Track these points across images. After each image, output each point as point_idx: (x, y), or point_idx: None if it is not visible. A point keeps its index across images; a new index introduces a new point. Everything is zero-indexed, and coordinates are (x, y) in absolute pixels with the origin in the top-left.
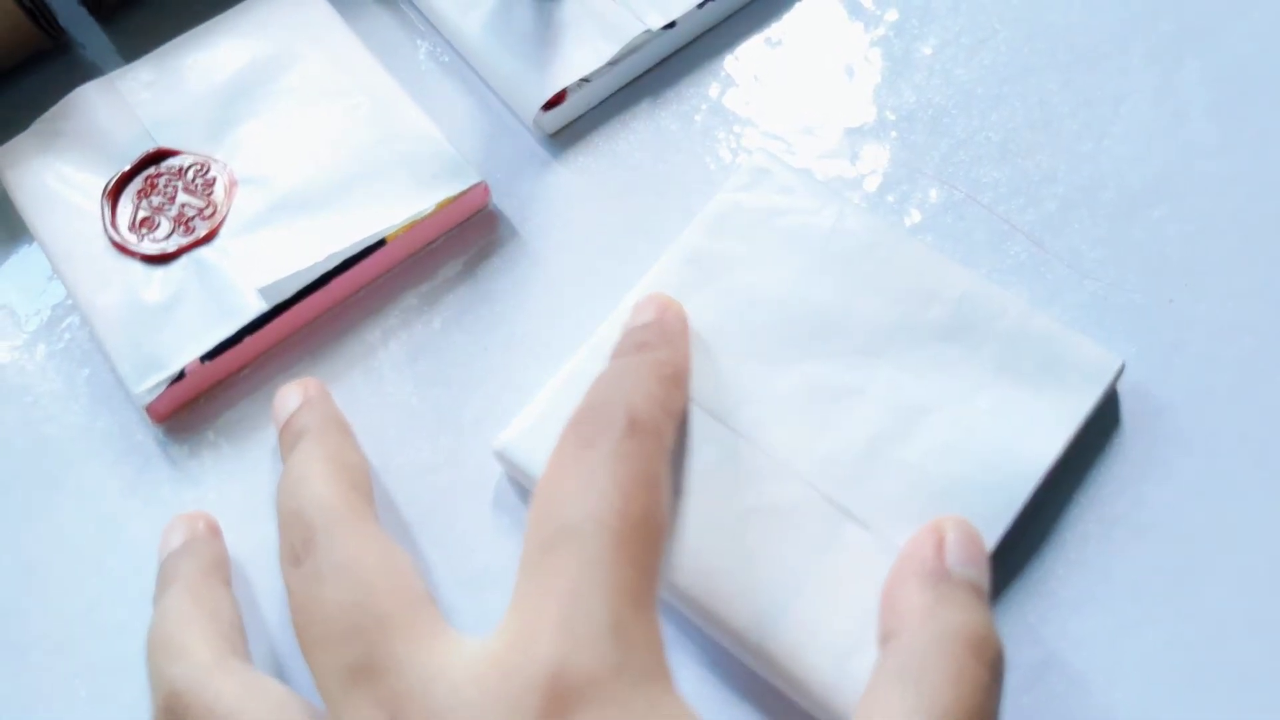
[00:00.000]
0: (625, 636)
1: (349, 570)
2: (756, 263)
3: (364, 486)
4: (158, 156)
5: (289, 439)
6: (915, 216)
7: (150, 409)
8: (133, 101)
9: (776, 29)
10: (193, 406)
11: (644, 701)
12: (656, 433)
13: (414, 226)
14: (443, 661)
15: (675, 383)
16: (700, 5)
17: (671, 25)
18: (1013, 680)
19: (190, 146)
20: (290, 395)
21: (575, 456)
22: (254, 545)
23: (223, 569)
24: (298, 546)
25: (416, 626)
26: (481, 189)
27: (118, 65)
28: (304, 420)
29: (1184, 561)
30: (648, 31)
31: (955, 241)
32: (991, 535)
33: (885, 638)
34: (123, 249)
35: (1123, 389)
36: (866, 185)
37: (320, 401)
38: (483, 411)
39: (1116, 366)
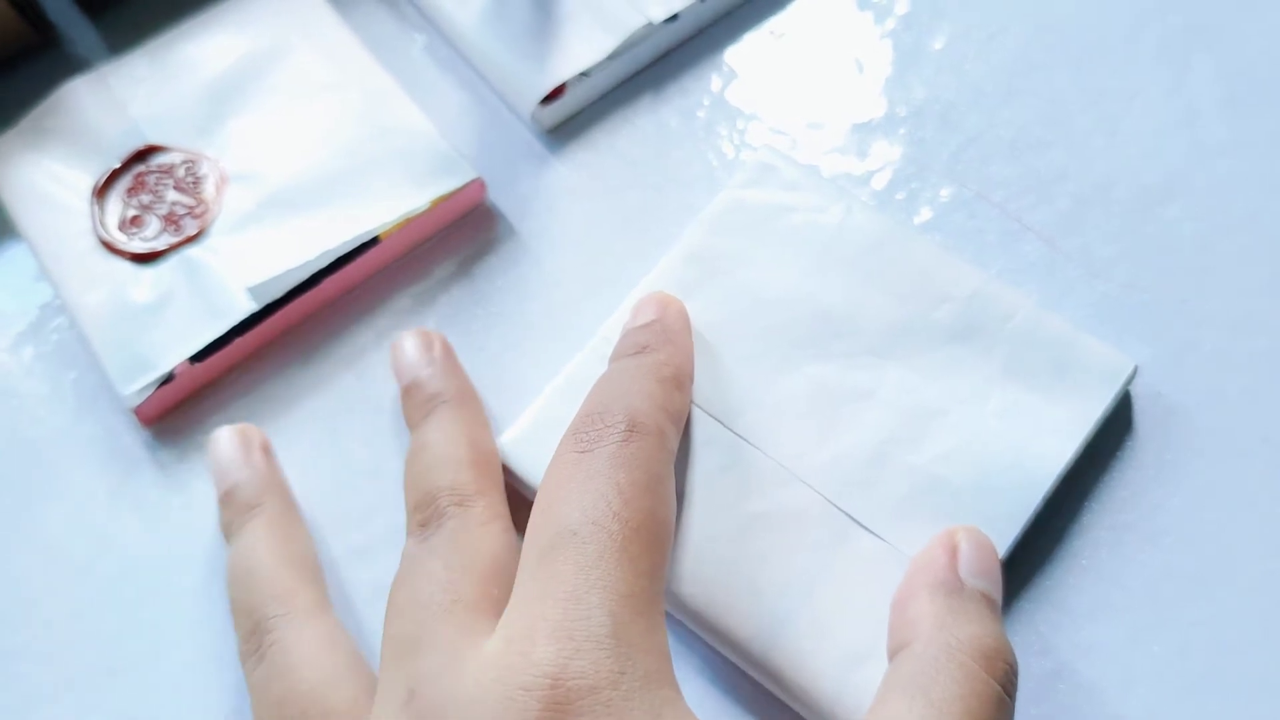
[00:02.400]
0: (626, 642)
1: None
2: (761, 261)
3: (493, 469)
4: (147, 153)
5: (420, 403)
6: (925, 214)
7: (139, 411)
8: (123, 97)
9: (782, 21)
10: (181, 409)
11: (645, 709)
12: (658, 435)
13: (408, 224)
14: (440, 661)
15: (676, 384)
16: None
17: (674, 18)
18: (1024, 692)
19: (181, 142)
20: (416, 352)
21: (574, 462)
22: None
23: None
24: (427, 521)
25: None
26: (477, 185)
27: (107, 60)
28: (438, 386)
29: (1198, 568)
30: (649, 24)
31: (965, 240)
32: (1002, 542)
33: (895, 649)
34: (111, 248)
35: (1135, 391)
36: (875, 182)
37: (450, 368)
38: None
39: (1129, 370)
